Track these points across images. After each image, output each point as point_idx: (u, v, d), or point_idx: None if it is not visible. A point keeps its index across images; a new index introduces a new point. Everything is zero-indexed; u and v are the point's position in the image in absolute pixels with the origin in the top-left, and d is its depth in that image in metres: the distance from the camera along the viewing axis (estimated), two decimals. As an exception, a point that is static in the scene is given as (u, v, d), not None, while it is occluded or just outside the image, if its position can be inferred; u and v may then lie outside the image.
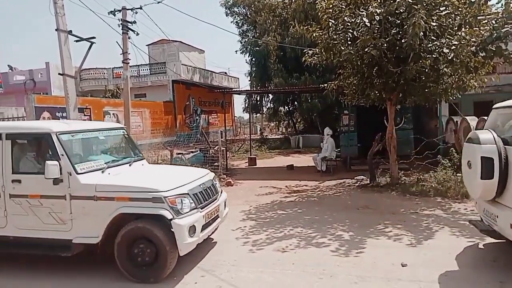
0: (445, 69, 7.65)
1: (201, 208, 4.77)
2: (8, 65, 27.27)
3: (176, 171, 6.33)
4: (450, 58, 7.21)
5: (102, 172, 4.84)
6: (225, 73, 34.06)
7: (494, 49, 7.18)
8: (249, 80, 26.86)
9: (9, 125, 4.97)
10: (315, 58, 8.92)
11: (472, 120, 10.81)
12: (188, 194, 4.61)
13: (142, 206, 4.40)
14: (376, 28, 7.37)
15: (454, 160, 9.43)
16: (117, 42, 12.11)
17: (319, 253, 5.21)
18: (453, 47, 7.06)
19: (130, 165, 5.45)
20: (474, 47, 7.37)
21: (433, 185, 8.66)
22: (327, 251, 5.27)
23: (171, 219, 4.30)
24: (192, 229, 4.46)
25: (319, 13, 8.26)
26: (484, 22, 7.50)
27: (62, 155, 4.58)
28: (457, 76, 8.14)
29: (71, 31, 9.90)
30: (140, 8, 11.99)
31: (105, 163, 5.04)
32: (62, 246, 4.60)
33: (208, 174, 5.61)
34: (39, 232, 4.67)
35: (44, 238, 4.67)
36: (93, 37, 10.49)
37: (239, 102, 49.39)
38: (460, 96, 9.12)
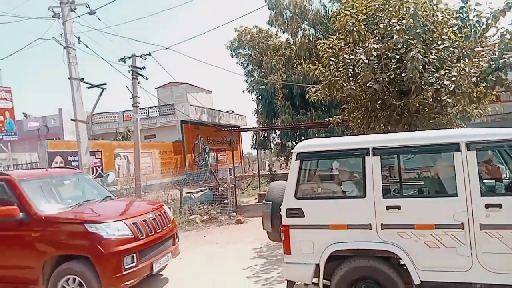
0: (447, 99, 7.73)
1: None
2: (23, 113, 28.39)
3: None
4: (451, 89, 7.31)
5: None
6: (232, 111, 34.71)
7: (494, 79, 7.28)
8: (256, 117, 27.31)
9: (470, 133, 3.90)
10: (319, 94, 9.13)
11: (481, 149, 10.78)
12: None
13: None
14: (376, 64, 7.56)
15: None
16: (127, 87, 12.55)
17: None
18: (453, 78, 7.17)
19: None
20: (474, 78, 7.48)
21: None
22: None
23: None
24: None
25: (320, 53, 8.57)
26: (482, 53, 7.65)
27: None
28: (460, 107, 8.21)
29: (83, 78, 10.37)
30: (149, 54, 12.51)
31: None
32: None
33: None
34: None
35: None
36: (104, 84, 10.93)
37: (247, 138, 49.75)
38: (465, 126, 9.13)
